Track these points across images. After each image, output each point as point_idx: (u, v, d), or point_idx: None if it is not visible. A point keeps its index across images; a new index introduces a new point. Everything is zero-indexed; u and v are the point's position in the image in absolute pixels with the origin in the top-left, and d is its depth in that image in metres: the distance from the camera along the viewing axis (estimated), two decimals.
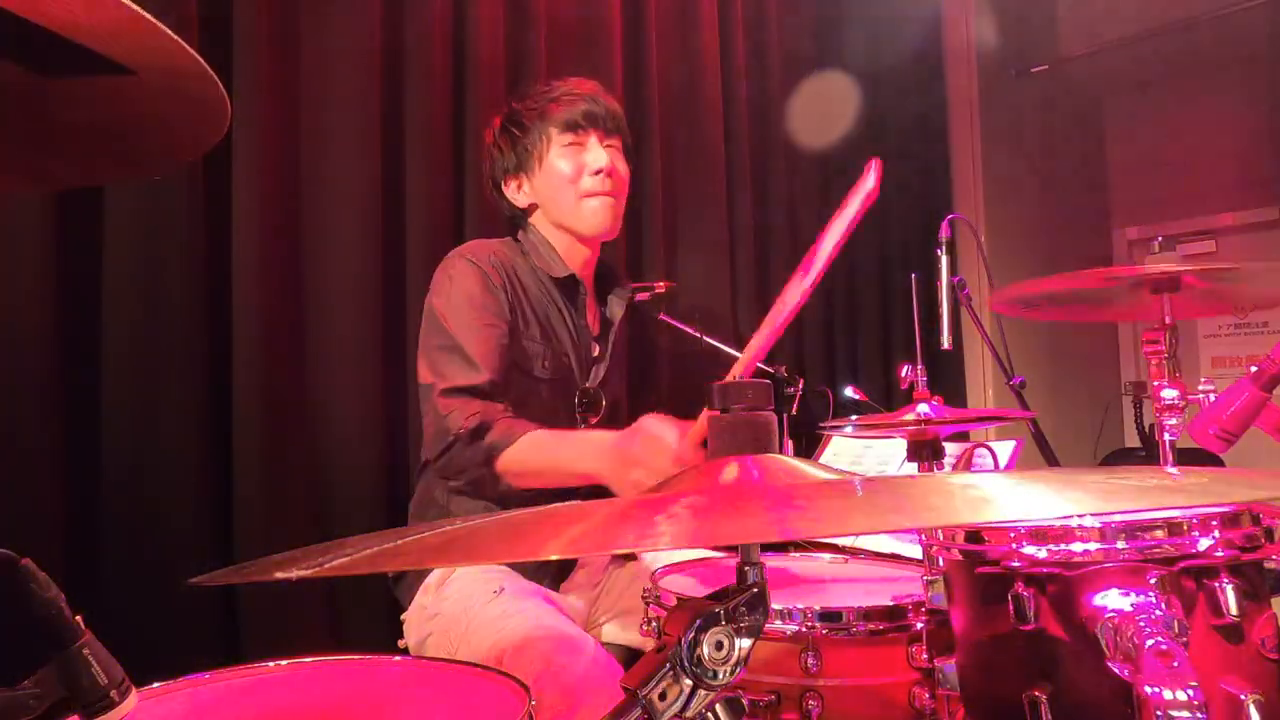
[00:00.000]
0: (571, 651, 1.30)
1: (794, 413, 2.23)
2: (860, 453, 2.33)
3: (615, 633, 1.65)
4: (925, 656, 1.07)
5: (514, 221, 1.76)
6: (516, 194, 1.73)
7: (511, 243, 1.74)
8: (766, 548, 0.69)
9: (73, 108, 0.59)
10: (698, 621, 0.60)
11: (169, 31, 0.52)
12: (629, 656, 1.60)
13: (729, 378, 1.29)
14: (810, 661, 1.07)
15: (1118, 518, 0.90)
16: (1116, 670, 0.75)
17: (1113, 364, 5.05)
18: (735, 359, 2.23)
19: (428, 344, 1.56)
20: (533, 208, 1.72)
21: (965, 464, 1.56)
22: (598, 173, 1.65)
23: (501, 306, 1.58)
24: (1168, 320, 1.41)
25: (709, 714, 0.60)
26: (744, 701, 0.63)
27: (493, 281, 1.59)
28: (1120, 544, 0.83)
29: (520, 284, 1.65)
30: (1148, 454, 3.88)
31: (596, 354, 1.76)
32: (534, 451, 1.43)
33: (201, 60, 0.56)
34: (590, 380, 1.73)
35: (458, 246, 1.68)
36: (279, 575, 0.50)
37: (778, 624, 1.10)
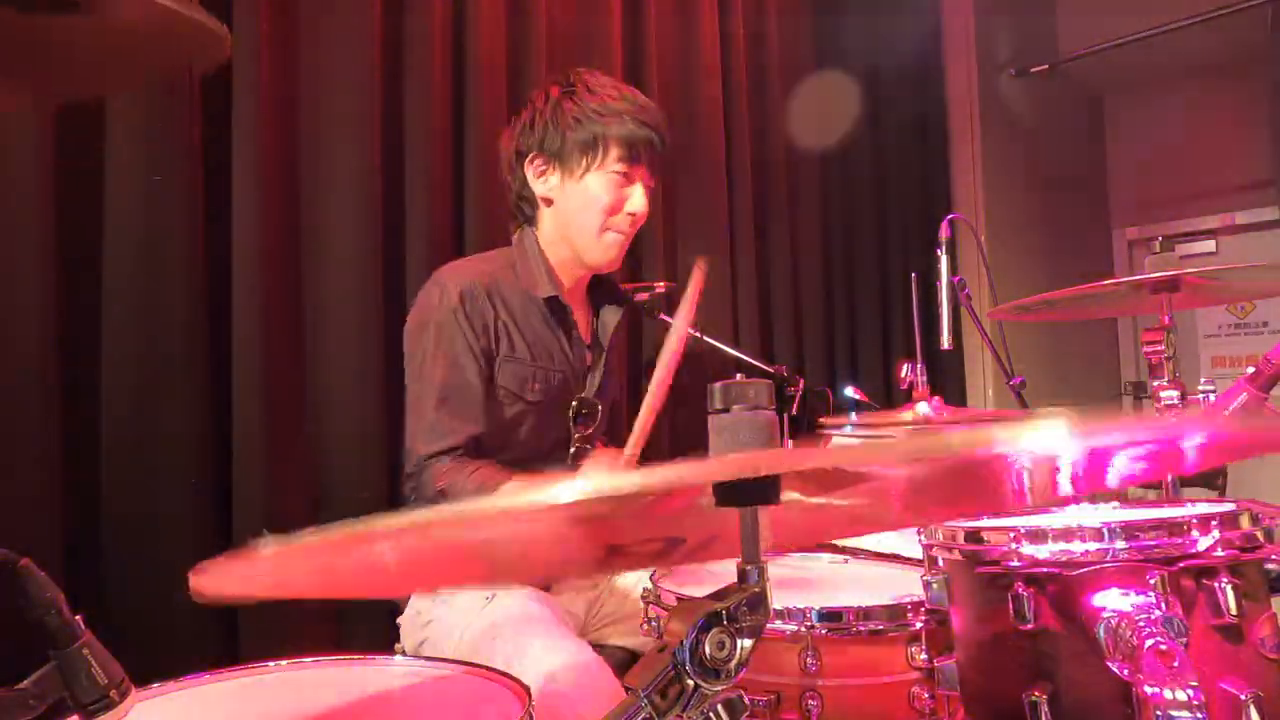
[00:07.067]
0: (567, 664, 1.29)
1: (794, 413, 2.23)
2: None
3: (616, 636, 1.65)
4: (925, 656, 1.07)
5: (519, 207, 1.68)
6: (538, 179, 1.62)
7: (503, 254, 1.68)
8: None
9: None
10: (699, 621, 0.60)
11: None
12: (629, 659, 1.60)
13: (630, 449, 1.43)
14: (810, 661, 1.07)
15: (1117, 518, 0.90)
16: (1116, 670, 0.75)
17: (1113, 364, 5.05)
18: (735, 359, 2.25)
19: (412, 393, 1.56)
20: (548, 201, 1.64)
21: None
22: (630, 214, 1.60)
23: (485, 338, 1.56)
24: (1167, 320, 1.41)
25: (710, 714, 0.60)
26: (745, 701, 0.62)
27: (473, 315, 1.55)
28: (1120, 544, 0.83)
29: (505, 305, 1.60)
30: None
31: (589, 363, 1.73)
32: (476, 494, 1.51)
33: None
34: (586, 390, 1.71)
35: (446, 265, 1.66)
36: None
37: (778, 624, 1.10)
